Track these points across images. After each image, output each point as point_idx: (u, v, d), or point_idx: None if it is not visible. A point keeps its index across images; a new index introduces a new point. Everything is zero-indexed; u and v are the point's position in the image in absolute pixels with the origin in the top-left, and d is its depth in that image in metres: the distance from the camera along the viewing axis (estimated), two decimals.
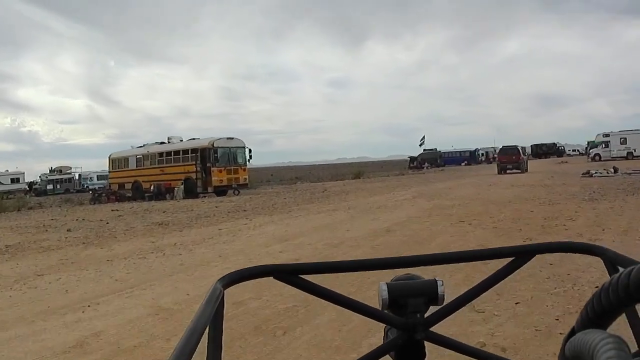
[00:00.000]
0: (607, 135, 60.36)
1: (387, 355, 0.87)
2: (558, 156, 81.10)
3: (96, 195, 39.28)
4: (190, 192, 34.06)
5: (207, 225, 16.11)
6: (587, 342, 0.51)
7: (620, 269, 0.54)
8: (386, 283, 0.87)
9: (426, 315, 0.86)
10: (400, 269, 0.92)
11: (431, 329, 0.86)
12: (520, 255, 0.93)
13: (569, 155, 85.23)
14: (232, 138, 35.98)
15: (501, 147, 43.34)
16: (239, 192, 34.12)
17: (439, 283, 0.87)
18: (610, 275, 0.69)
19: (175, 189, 34.67)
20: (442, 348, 0.87)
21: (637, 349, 0.70)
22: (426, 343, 0.86)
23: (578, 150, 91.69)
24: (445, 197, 20.60)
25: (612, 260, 0.86)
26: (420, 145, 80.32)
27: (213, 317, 0.73)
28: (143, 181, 37.30)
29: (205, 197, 33.38)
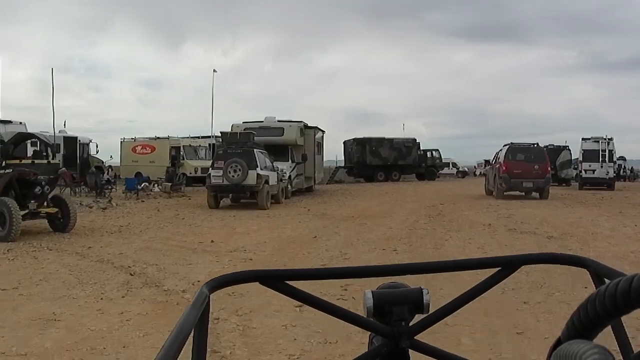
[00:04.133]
0: None
1: None
2: None
3: None
4: None
5: None
6: (573, 352, 0.51)
7: (607, 281, 0.55)
8: (371, 291, 0.86)
9: (411, 323, 0.86)
10: (387, 277, 0.91)
11: (416, 337, 0.85)
12: (507, 266, 0.92)
13: None
14: None
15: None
16: None
17: (425, 292, 0.87)
18: (596, 287, 0.67)
19: None
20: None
21: None
22: (411, 352, 0.86)
23: None
24: None
25: (598, 272, 0.86)
26: None
27: (198, 321, 0.71)
28: None
29: None
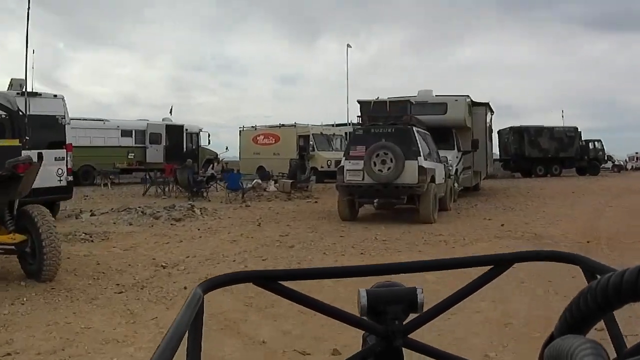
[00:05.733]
0: None
1: None
2: None
3: None
4: None
5: None
6: (565, 347, 0.52)
7: (599, 277, 0.56)
8: (366, 290, 0.85)
9: (405, 322, 0.85)
10: (381, 277, 0.91)
11: (409, 335, 0.85)
12: (500, 264, 0.91)
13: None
14: None
15: None
16: None
17: (419, 291, 0.86)
18: (588, 283, 0.68)
19: None
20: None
21: (616, 355, 0.69)
22: (405, 350, 0.86)
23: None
24: None
25: (590, 269, 0.86)
26: None
27: (193, 322, 0.71)
28: None
29: None
